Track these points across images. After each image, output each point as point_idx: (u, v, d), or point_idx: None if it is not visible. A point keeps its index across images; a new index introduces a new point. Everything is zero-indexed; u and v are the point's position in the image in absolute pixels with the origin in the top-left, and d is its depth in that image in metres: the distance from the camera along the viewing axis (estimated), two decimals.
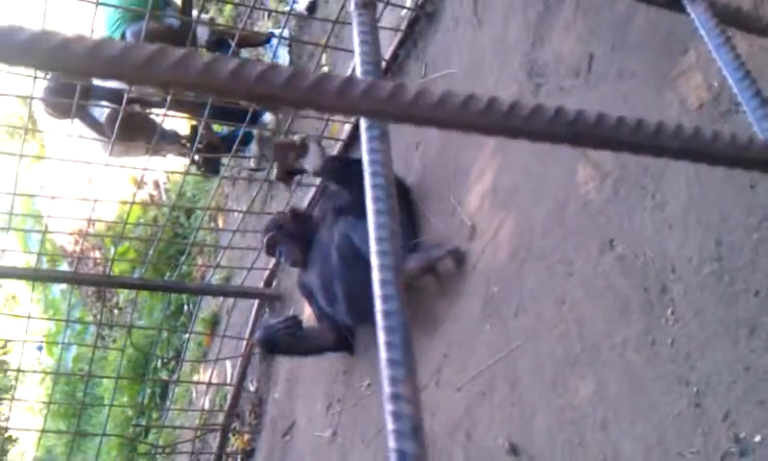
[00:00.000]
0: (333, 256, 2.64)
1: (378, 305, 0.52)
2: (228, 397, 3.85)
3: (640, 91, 1.82)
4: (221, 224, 4.91)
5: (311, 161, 2.58)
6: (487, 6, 2.56)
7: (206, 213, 4.52)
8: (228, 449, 3.84)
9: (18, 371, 3.85)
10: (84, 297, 7.16)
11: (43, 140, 7.48)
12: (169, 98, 3.38)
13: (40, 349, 7.78)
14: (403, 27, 2.98)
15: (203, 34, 3.91)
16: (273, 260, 3.62)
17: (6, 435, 6.73)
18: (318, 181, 3.25)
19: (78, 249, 4.85)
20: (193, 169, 4.39)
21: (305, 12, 4.00)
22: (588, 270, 1.84)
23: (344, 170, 2.70)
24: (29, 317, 3.67)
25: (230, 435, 3.85)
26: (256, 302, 3.82)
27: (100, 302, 6.26)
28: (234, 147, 3.44)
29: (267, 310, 3.80)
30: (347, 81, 0.51)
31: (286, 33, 3.93)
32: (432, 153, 2.68)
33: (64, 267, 7.05)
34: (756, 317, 1.39)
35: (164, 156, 4.43)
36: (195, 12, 3.74)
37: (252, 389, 3.78)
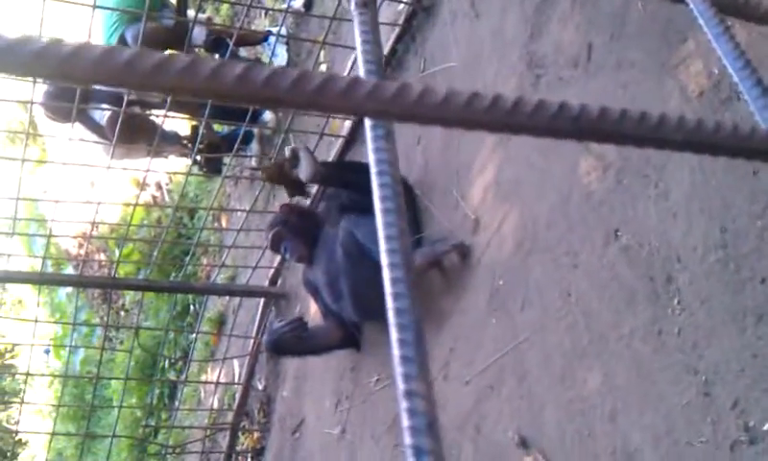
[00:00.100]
0: (338, 253, 2.64)
1: (390, 303, 0.53)
2: (237, 395, 3.87)
3: (640, 80, 1.81)
4: (224, 223, 4.91)
5: (303, 170, 2.60)
6: None
7: (210, 213, 4.53)
8: (238, 448, 3.86)
9: (27, 374, 3.86)
10: (90, 299, 7.19)
11: (45, 144, 7.49)
12: (169, 99, 3.38)
13: (48, 352, 7.82)
14: (401, 22, 2.97)
15: (200, 34, 3.91)
16: (278, 259, 3.63)
17: (16, 438, 6.79)
18: None
19: (82, 252, 4.86)
20: (195, 169, 4.40)
21: (302, 10, 4.00)
22: (593, 261, 1.84)
23: (337, 174, 2.74)
24: (36, 321, 3.69)
25: (240, 434, 3.87)
26: (262, 300, 3.83)
27: (106, 304, 6.29)
28: (235, 146, 3.45)
29: (273, 309, 3.81)
30: (351, 82, 0.52)
31: (284, 30, 3.93)
32: (434, 147, 2.68)
33: (69, 270, 7.08)
34: (762, 304, 1.39)
35: (166, 157, 4.44)
36: (191, 12, 3.74)
37: (260, 387, 3.80)
